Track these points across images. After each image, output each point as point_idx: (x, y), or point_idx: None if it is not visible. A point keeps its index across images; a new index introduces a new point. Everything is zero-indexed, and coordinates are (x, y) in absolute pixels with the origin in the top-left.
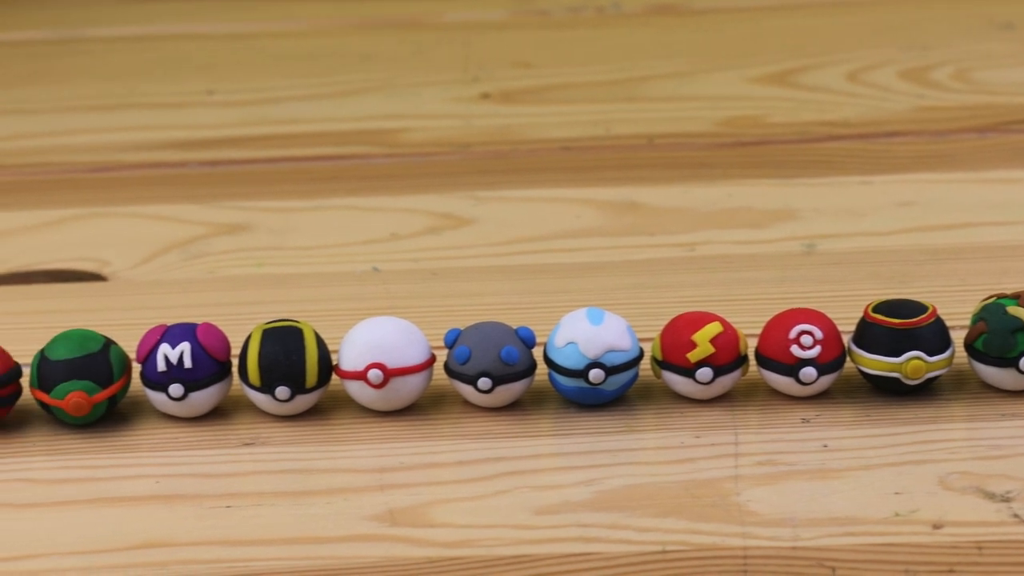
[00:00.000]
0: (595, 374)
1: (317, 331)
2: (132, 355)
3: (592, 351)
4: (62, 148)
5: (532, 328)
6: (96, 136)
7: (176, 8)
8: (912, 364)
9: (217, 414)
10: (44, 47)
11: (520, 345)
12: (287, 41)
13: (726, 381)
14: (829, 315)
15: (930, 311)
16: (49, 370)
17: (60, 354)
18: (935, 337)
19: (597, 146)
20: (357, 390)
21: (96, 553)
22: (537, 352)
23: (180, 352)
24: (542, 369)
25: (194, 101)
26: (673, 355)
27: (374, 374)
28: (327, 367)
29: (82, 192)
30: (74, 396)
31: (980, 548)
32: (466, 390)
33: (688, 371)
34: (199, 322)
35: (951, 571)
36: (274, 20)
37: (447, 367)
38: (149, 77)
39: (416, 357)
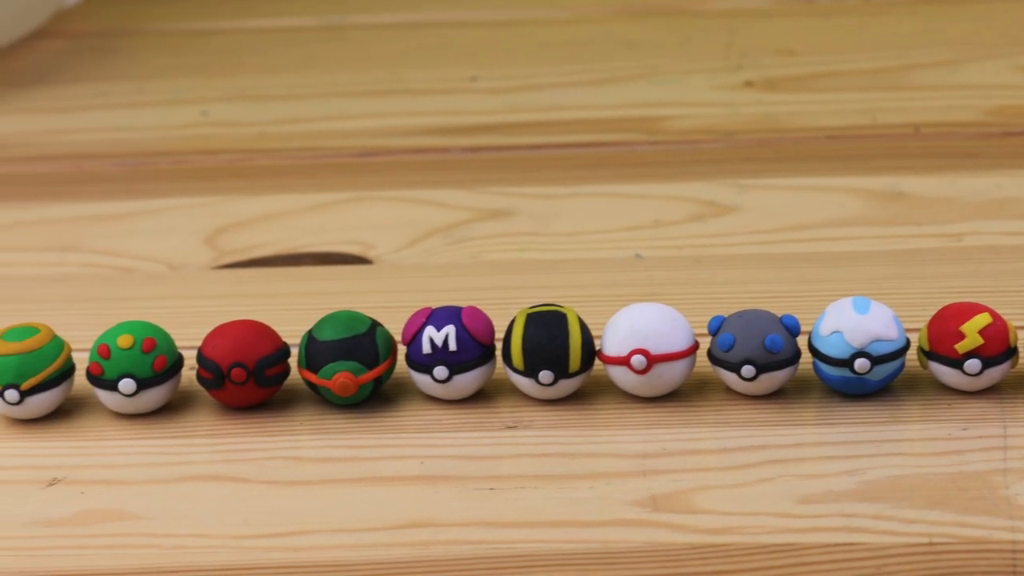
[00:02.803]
0: (860, 363)
1: (580, 316)
2: (397, 337)
3: (858, 340)
4: (330, 133)
5: (796, 316)
6: (363, 121)
7: None
8: None
9: (480, 397)
10: (314, 34)
11: (784, 333)
12: (551, 28)
13: (995, 373)
14: None
15: None
16: (317, 351)
17: (328, 335)
18: None
19: (862, 135)
20: (620, 375)
21: (362, 531)
22: (801, 340)
23: (445, 335)
24: (806, 358)
25: (458, 88)
26: (941, 346)
27: (637, 360)
28: (590, 352)
29: (349, 176)
30: (341, 377)
31: None
32: (729, 377)
33: (956, 362)
34: (463, 306)
35: None
36: (538, 7)
37: (710, 354)
38: (414, 64)
39: (680, 343)
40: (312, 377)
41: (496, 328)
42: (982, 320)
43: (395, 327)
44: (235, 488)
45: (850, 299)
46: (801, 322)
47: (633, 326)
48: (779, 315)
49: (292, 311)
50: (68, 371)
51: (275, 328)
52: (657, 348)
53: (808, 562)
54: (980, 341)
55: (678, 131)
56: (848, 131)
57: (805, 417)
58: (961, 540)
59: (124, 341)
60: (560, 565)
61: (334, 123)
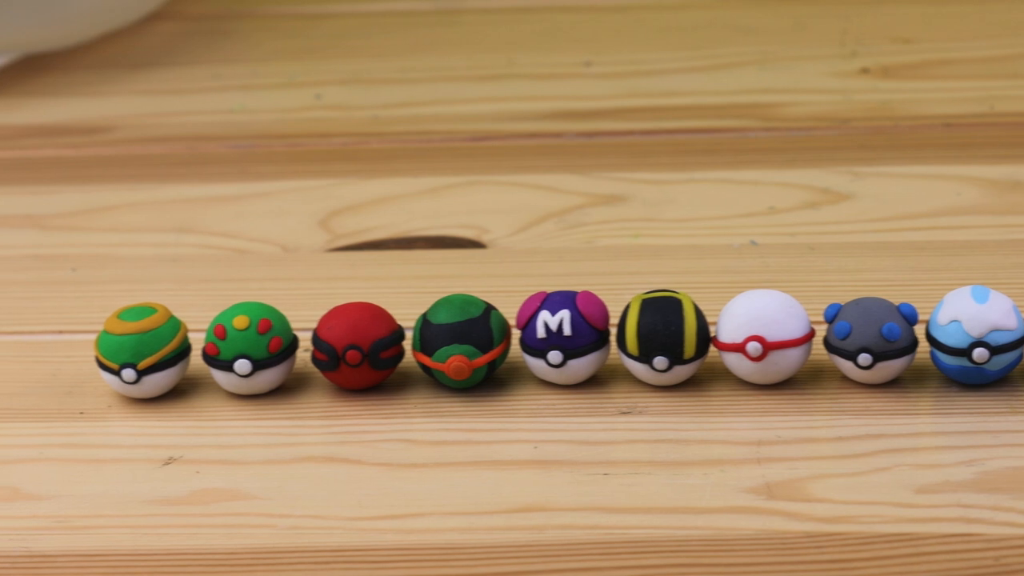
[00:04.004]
0: (979, 353)
1: (695, 302)
2: (511, 321)
3: (976, 330)
4: (443, 117)
5: (913, 305)
6: (476, 106)
7: None
8: None
9: (594, 382)
10: (427, 17)
11: (902, 322)
12: (665, 13)
13: None
14: None
15: None
16: (431, 334)
17: (442, 318)
18: None
19: (979, 123)
20: (735, 362)
21: (476, 514)
22: (919, 329)
23: (560, 319)
24: (923, 347)
25: (572, 72)
26: None
27: (753, 346)
28: (705, 338)
29: (462, 160)
30: (455, 360)
31: None
32: (845, 365)
33: None
34: (578, 290)
35: None
36: None
37: (827, 342)
38: (528, 48)
39: (796, 331)
40: (426, 360)
41: (610, 313)
42: None
43: (508, 311)
44: (349, 470)
45: (969, 288)
46: (918, 311)
47: (749, 313)
48: (896, 303)
49: (405, 294)
50: (184, 351)
51: (389, 311)
52: (773, 335)
53: (925, 552)
54: None
55: (792, 118)
56: (965, 119)
57: (922, 406)
58: None
59: (240, 322)
60: (674, 551)
61: (447, 107)
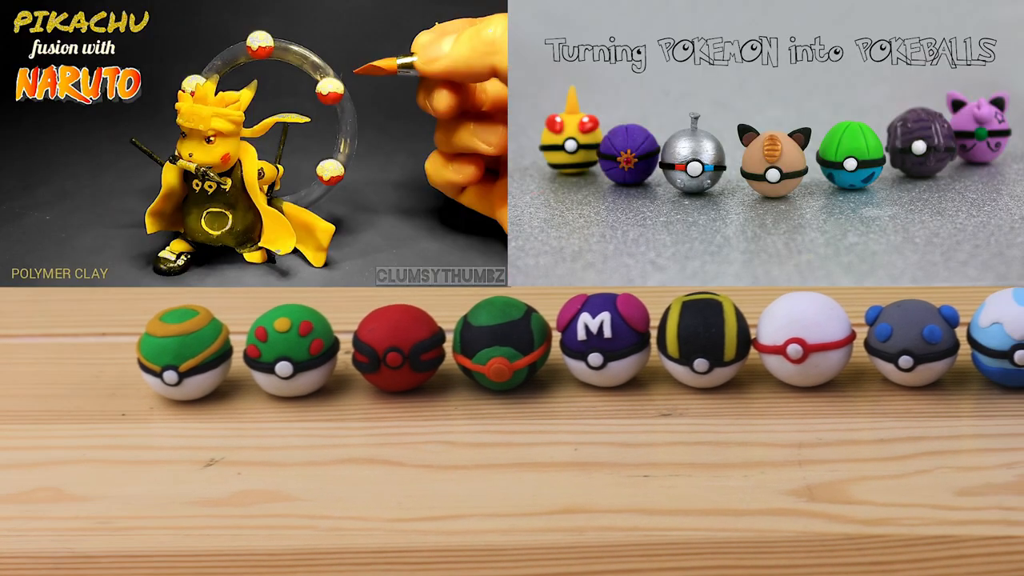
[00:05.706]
0: (1021, 355)
1: (736, 304)
2: (552, 323)
3: (1018, 332)
4: None
5: (955, 307)
6: None
7: None
8: None
9: (634, 384)
10: None
11: (943, 324)
12: None
13: None
14: None
15: None
16: (472, 336)
17: (483, 320)
18: None
19: None
20: (776, 364)
21: (516, 516)
22: (960, 332)
23: (600, 322)
24: (965, 349)
25: None
26: None
27: (793, 349)
28: (746, 341)
29: None
30: (495, 362)
31: None
32: (886, 368)
33: None
34: (618, 293)
35: None
36: None
37: (867, 344)
38: None
39: (836, 333)
40: (467, 362)
41: (651, 315)
42: None
43: (549, 313)
44: (390, 471)
45: (1011, 290)
46: (960, 313)
47: (790, 315)
48: (938, 306)
49: (446, 297)
50: (226, 353)
51: (429, 313)
52: (813, 337)
53: (966, 555)
54: None
55: None
56: None
57: (963, 409)
58: None
59: (281, 324)
60: (714, 553)
61: None
